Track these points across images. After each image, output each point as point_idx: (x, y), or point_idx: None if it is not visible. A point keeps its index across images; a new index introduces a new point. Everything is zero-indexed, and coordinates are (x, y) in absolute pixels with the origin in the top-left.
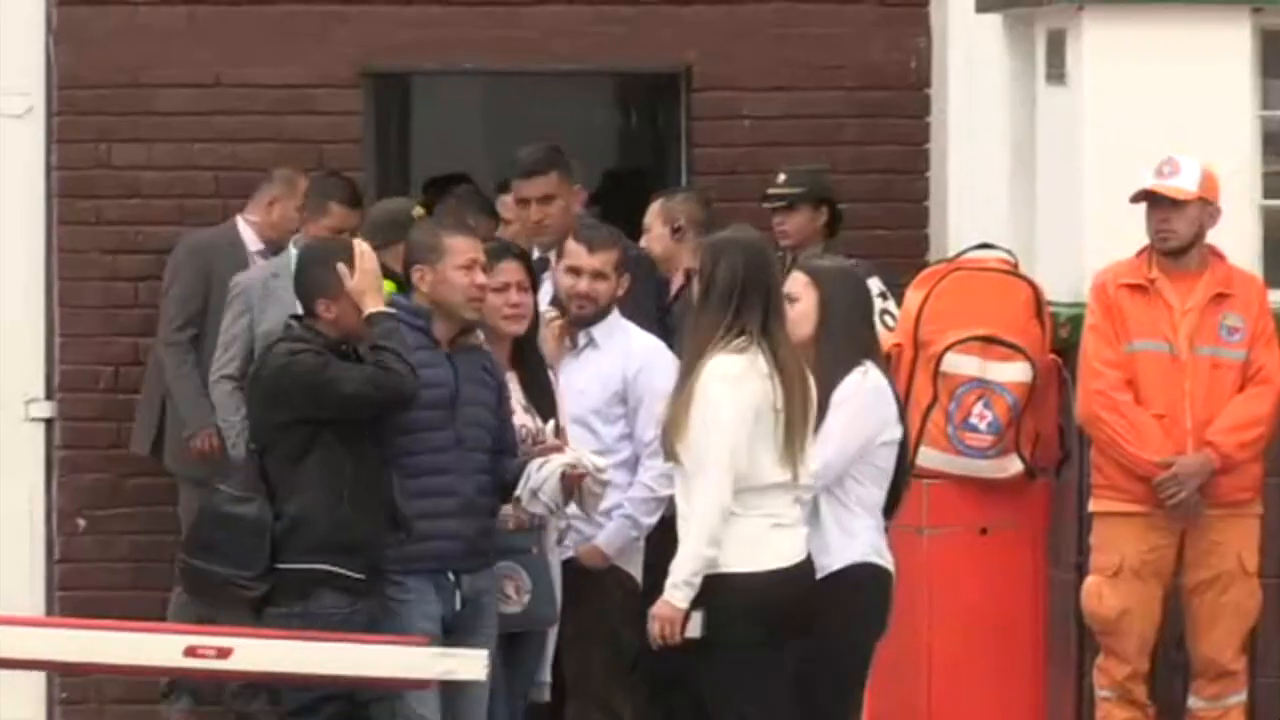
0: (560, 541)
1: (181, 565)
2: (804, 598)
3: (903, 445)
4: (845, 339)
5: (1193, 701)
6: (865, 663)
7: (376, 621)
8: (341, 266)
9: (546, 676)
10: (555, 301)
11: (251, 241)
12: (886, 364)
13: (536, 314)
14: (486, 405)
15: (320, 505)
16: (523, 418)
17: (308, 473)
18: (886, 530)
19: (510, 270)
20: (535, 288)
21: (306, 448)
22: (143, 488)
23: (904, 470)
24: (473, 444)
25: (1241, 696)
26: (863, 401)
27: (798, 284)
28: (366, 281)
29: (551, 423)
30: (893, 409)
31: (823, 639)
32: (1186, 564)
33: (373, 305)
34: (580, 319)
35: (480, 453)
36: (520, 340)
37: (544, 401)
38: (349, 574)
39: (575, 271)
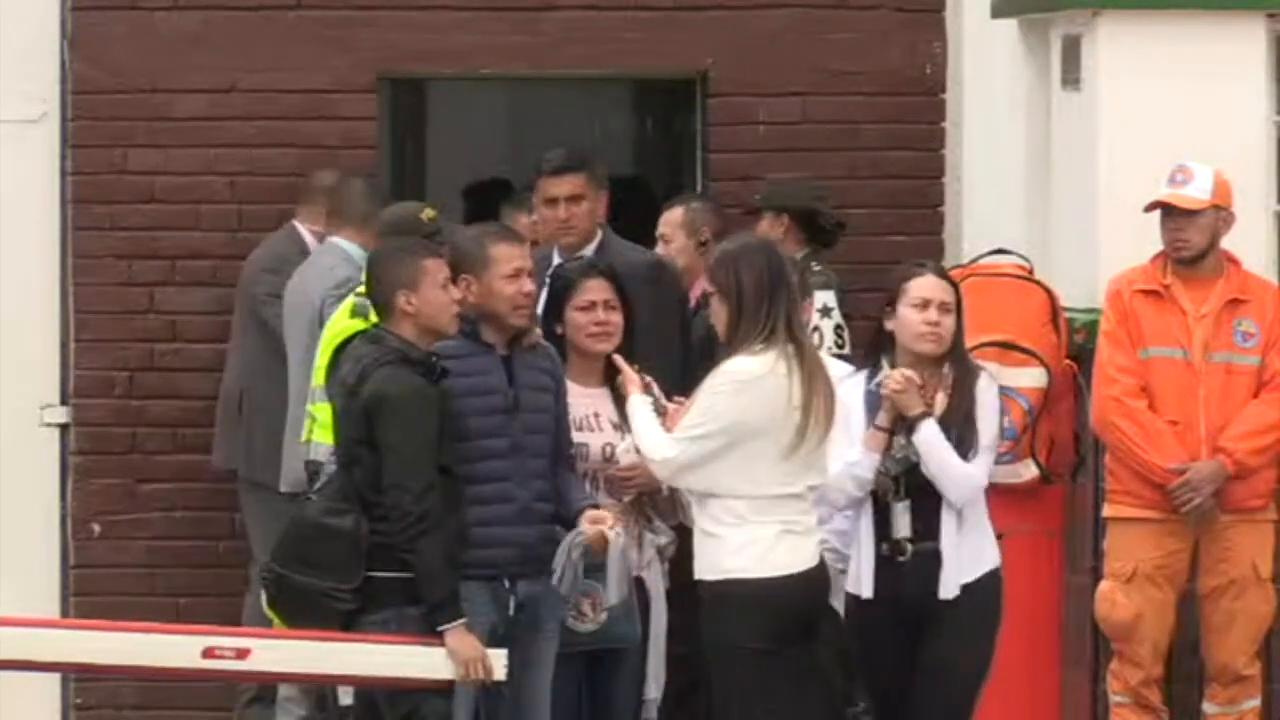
0: (664, 559)
1: (272, 576)
2: (814, 603)
3: None
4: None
5: (1207, 707)
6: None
7: None
8: (428, 261)
9: (651, 693)
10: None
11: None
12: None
13: (630, 328)
14: (547, 410)
15: None
16: (607, 435)
17: None
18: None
19: (596, 288)
20: (629, 305)
21: None
22: (158, 493)
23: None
24: (532, 450)
25: (1256, 701)
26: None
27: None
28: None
29: (627, 440)
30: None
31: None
32: (1200, 570)
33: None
34: None
35: (539, 459)
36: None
37: None
38: None
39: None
